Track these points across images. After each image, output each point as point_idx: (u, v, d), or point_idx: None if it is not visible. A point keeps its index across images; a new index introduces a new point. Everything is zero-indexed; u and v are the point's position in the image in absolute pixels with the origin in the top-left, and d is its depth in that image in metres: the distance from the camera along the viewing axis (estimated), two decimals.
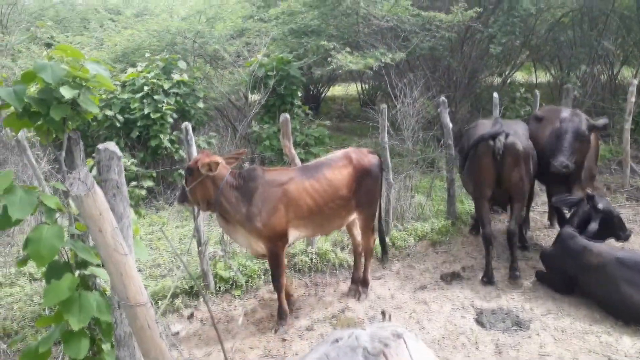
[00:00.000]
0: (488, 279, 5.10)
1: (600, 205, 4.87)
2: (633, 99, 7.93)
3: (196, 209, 4.46)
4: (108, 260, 1.75)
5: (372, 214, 4.77)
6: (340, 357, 2.15)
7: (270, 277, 4.77)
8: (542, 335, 4.08)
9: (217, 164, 3.99)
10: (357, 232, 4.90)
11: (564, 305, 4.58)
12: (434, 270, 5.51)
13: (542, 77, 14.30)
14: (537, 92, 8.49)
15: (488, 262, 5.14)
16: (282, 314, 4.39)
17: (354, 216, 4.64)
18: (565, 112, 5.43)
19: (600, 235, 4.75)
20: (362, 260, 5.00)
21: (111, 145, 2.28)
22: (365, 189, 4.53)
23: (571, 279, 4.67)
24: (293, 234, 4.30)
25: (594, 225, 4.76)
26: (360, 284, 4.97)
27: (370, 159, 4.63)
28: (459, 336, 4.13)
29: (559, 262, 4.78)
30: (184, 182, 4.20)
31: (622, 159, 8.26)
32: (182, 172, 7.50)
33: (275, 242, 4.17)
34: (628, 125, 7.84)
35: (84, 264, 2.71)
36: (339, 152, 4.70)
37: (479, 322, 4.36)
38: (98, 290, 2.78)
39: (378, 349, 2.09)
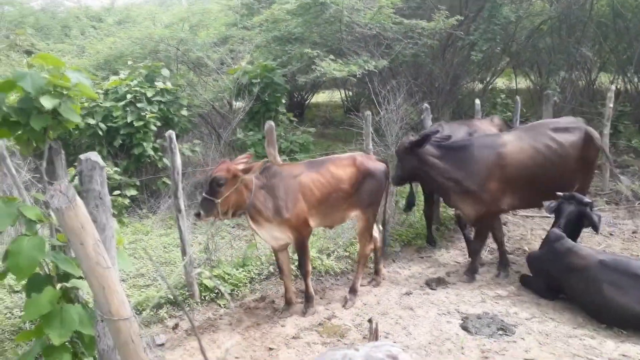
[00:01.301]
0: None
1: (585, 200, 4.92)
2: (611, 104, 8.09)
3: (211, 219, 4.30)
4: (90, 274, 1.72)
5: (372, 216, 4.94)
6: None
7: (252, 285, 4.83)
8: (527, 340, 4.11)
9: (260, 166, 4.26)
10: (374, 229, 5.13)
11: (548, 309, 4.62)
12: (420, 275, 5.54)
13: (523, 83, 14.54)
14: (518, 98, 8.62)
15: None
16: (309, 297, 4.71)
17: (355, 212, 4.85)
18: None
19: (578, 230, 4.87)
20: (382, 253, 5.36)
21: (93, 155, 2.25)
22: (366, 190, 4.76)
23: (556, 282, 4.71)
24: (311, 222, 4.58)
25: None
26: (349, 291, 5.01)
27: (375, 163, 4.90)
28: (445, 342, 4.14)
29: (545, 264, 4.82)
30: (207, 195, 4.16)
31: (601, 163, 8.41)
32: (167, 181, 7.45)
33: (301, 230, 4.47)
34: (607, 130, 7.98)
35: (65, 277, 2.66)
36: (346, 154, 5.04)
37: (464, 327, 4.38)
38: (80, 303, 2.73)
39: None
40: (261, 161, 4.34)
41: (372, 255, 5.31)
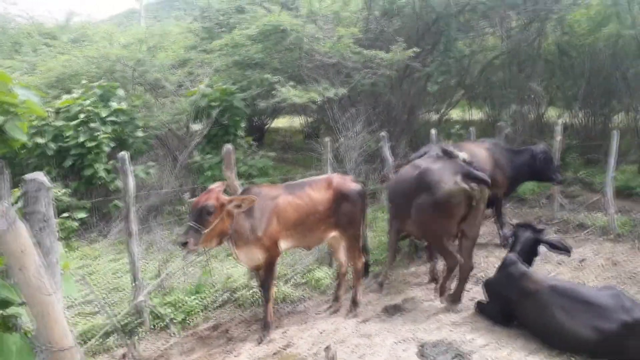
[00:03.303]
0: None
1: (539, 227, 5.11)
2: (559, 137, 8.47)
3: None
4: (31, 301, 1.61)
5: (355, 235, 5.05)
6: None
7: (205, 313, 4.75)
8: None
9: (253, 200, 4.23)
10: (341, 253, 5.27)
11: (503, 336, 4.68)
12: (376, 302, 5.51)
13: (476, 114, 15.06)
14: (472, 129, 8.90)
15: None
16: (267, 324, 4.65)
17: (333, 234, 4.97)
18: None
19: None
20: (345, 280, 5.38)
21: (39, 176, 2.14)
22: (344, 211, 4.88)
23: (511, 307, 4.79)
24: (283, 244, 4.65)
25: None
26: (351, 303, 5.18)
27: (350, 185, 5.00)
28: None
29: (501, 289, 4.90)
30: (194, 223, 4.07)
31: (551, 193, 8.75)
32: (118, 203, 7.19)
33: (271, 251, 4.52)
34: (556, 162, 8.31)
35: (4, 304, 2.48)
36: (322, 176, 5.18)
37: (421, 355, 4.36)
38: (19, 332, 2.54)
39: None
40: (251, 196, 4.30)
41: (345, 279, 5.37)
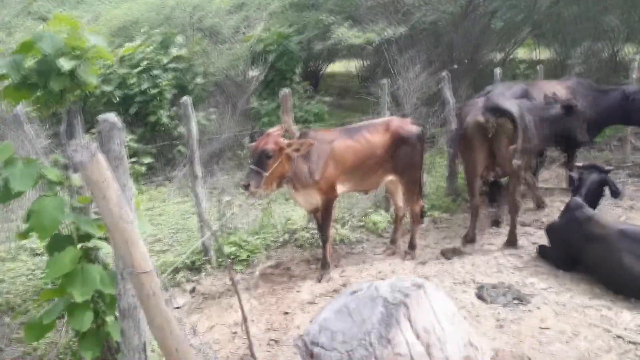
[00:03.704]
0: (470, 239, 5.45)
1: (606, 167, 4.92)
2: (634, 76, 7.85)
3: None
4: (113, 228, 1.73)
5: (413, 179, 5.03)
6: (360, 308, 2.16)
7: (268, 252, 4.97)
8: (542, 310, 4.10)
9: (311, 143, 4.29)
10: (399, 197, 5.25)
11: (565, 280, 4.59)
12: (435, 245, 5.52)
13: (544, 54, 14.14)
14: (540, 67, 8.40)
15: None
16: (325, 264, 4.75)
17: (390, 177, 4.96)
18: None
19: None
20: (402, 224, 5.42)
21: (111, 117, 2.24)
22: (402, 155, 4.84)
23: (575, 252, 4.66)
24: (340, 188, 4.69)
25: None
26: (408, 246, 5.24)
27: (410, 128, 4.93)
28: (459, 310, 4.13)
29: (565, 233, 4.77)
30: (254, 168, 4.20)
31: (622, 136, 8.22)
32: (182, 149, 7.45)
33: (328, 194, 4.58)
34: None
35: (86, 237, 2.69)
36: (381, 119, 5.16)
37: (479, 296, 4.37)
38: (101, 263, 2.77)
39: (398, 298, 2.08)
40: (308, 140, 4.35)
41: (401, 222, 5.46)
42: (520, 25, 11.22)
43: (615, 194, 4.83)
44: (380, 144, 4.78)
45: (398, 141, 4.83)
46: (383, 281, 2.12)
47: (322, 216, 4.72)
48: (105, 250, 2.73)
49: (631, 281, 4.18)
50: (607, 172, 4.88)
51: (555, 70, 11.87)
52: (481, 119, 5.00)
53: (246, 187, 4.21)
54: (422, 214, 5.43)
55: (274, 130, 4.46)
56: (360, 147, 4.70)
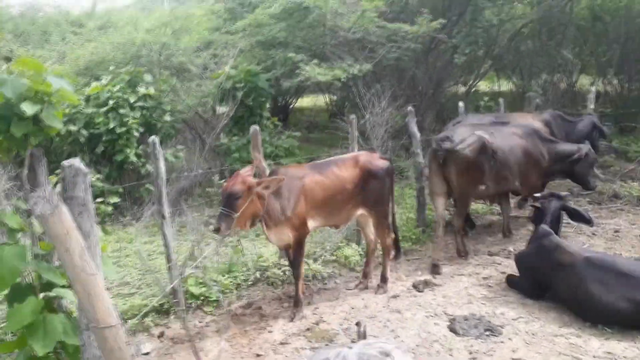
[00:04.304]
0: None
1: (563, 194, 5.23)
2: (592, 106, 8.22)
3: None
4: (76, 281, 1.69)
5: (383, 213, 5.09)
6: None
7: (239, 291, 4.90)
8: (514, 340, 4.14)
9: (281, 179, 4.30)
10: (369, 230, 5.30)
11: (534, 309, 4.66)
12: (406, 278, 5.54)
13: (505, 86, 14.70)
14: (501, 100, 8.71)
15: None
16: (298, 302, 4.70)
17: (360, 212, 5.00)
18: None
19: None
20: (373, 257, 5.43)
21: (76, 162, 2.21)
22: (371, 189, 4.90)
23: (543, 280, 4.75)
24: (311, 223, 4.70)
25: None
26: (380, 280, 5.24)
27: (378, 162, 5.01)
28: (433, 344, 4.15)
29: (533, 261, 4.86)
30: (224, 209, 4.18)
31: None
32: (150, 187, 7.34)
33: (300, 230, 4.58)
34: None
35: (48, 286, 2.60)
36: (349, 154, 5.24)
37: (452, 329, 4.39)
38: (64, 312, 2.67)
39: None
40: (278, 177, 4.35)
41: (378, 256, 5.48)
42: (481, 59, 11.69)
43: (578, 218, 5.14)
44: (349, 179, 4.81)
45: (367, 176, 4.88)
46: (350, 349, 2.10)
47: (294, 253, 4.69)
48: (70, 298, 2.64)
49: (598, 308, 4.28)
50: (565, 198, 5.10)
51: (516, 102, 12.35)
52: (434, 146, 5.73)
53: (217, 230, 4.18)
54: (398, 247, 5.44)
55: (245, 170, 4.46)
56: (330, 182, 4.73)
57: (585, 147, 6.28)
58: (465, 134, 5.73)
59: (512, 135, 6.15)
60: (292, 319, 4.62)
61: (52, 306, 2.64)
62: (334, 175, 4.78)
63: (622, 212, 7.28)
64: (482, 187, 5.80)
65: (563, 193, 5.30)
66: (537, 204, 5.17)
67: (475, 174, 5.68)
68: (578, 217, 5.21)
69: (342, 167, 4.86)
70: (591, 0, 11.15)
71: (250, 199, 4.22)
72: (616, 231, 6.56)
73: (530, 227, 5.96)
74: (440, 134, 5.93)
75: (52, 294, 2.61)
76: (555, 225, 5.06)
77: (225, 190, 4.27)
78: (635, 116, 10.26)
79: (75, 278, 1.69)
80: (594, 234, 6.52)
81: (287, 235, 4.57)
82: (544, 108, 10.33)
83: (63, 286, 2.60)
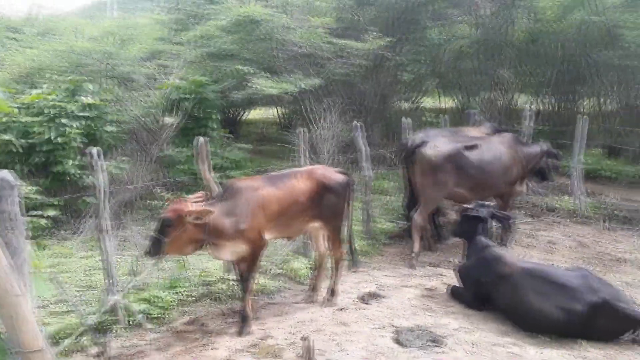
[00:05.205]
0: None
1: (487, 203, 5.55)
2: (530, 123, 8.65)
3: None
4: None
5: (337, 226, 5.10)
6: None
7: (182, 308, 4.81)
8: (456, 350, 4.23)
9: (209, 212, 4.19)
10: (321, 243, 5.27)
11: (476, 319, 4.79)
12: (352, 290, 5.57)
13: (448, 102, 15.21)
14: (445, 117, 9.01)
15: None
16: (245, 317, 4.61)
17: (315, 224, 4.98)
18: None
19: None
20: (323, 270, 5.39)
21: (3, 173, 2.10)
22: (326, 203, 4.89)
23: (484, 291, 4.90)
24: (266, 235, 4.64)
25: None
26: (331, 293, 5.21)
27: (333, 176, 5.01)
28: (378, 356, 4.18)
29: (474, 273, 5.01)
30: (154, 235, 4.17)
31: None
32: (90, 200, 7.04)
33: (255, 242, 4.52)
34: None
35: None
36: (305, 167, 5.23)
37: (397, 340, 4.44)
38: None
39: None
40: (207, 209, 4.25)
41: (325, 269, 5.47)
42: (425, 77, 12.07)
43: (504, 221, 5.63)
44: (304, 192, 4.80)
45: (322, 189, 4.88)
46: None
47: (249, 266, 4.61)
48: None
49: (535, 317, 4.47)
50: (489, 205, 5.42)
51: (457, 118, 12.80)
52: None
53: (147, 254, 4.23)
54: (355, 258, 5.67)
55: (194, 197, 4.41)
56: (284, 194, 4.71)
57: (545, 144, 7.11)
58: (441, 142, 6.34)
59: (499, 144, 6.64)
60: (239, 334, 4.53)
61: None
62: (288, 188, 4.76)
63: (556, 224, 7.65)
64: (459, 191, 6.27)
65: (488, 202, 5.63)
66: (474, 214, 5.34)
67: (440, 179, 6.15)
68: (504, 219, 5.60)
69: (298, 180, 4.85)
70: (528, 24, 11.78)
71: (183, 227, 4.18)
72: (551, 242, 6.88)
73: None
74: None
75: None
76: (487, 233, 5.29)
77: (159, 217, 4.28)
78: (568, 133, 10.86)
79: None
80: (529, 245, 6.82)
81: (242, 248, 4.51)
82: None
83: None
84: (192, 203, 4.33)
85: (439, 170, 6.15)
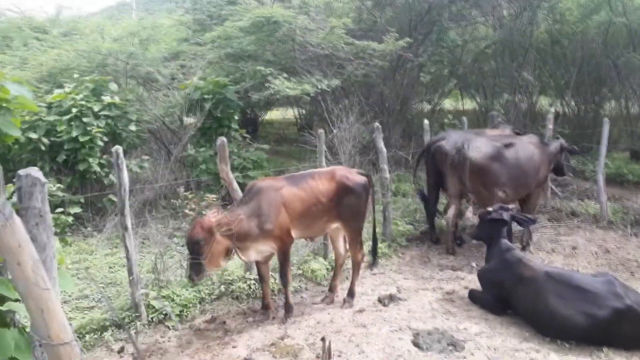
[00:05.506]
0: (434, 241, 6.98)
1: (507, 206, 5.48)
2: (551, 126, 8.52)
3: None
4: (27, 296, 1.62)
5: (357, 228, 5.14)
6: None
7: (202, 305, 4.90)
8: (476, 355, 4.19)
9: (240, 220, 4.30)
10: (339, 244, 5.33)
11: (496, 324, 4.74)
12: (371, 292, 5.56)
13: (469, 104, 15.07)
14: (464, 118, 8.92)
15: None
16: (288, 307, 4.85)
17: (335, 225, 5.03)
18: None
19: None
20: (341, 271, 5.47)
21: (34, 171, 2.14)
22: (347, 204, 4.92)
23: (505, 295, 4.84)
24: (293, 233, 4.71)
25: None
26: (347, 294, 5.25)
27: (355, 177, 5.04)
28: (397, 358, 4.17)
29: (496, 276, 4.96)
30: (192, 258, 4.25)
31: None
32: (113, 198, 7.15)
33: (284, 239, 4.62)
34: None
35: (0, 299, 2.49)
36: (326, 168, 5.28)
37: (415, 343, 4.42)
38: (17, 327, 2.56)
39: None
40: (238, 217, 4.34)
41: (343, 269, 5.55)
42: (446, 78, 11.98)
43: (526, 223, 5.54)
44: (324, 193, 4.84)
45: (342, 190, 4.91)
46: None
47: (281, 262, 4.75)
48: (23, 313, 2.53)
49: (557, 322, 4.39)
50: (509, 209, 5.39)
51: (478, 120, 12.68)
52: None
53: (191, 280, 4.35)
54: (375, 259, 5.73)
55: (210, 214, 4.41)
56: (306, 195, 4.75)
57: (561, 140, 7.25)
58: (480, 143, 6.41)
59: (528, 144, 6.70)
60: (283, 322, 4.76)
61: (4, 320, 2.52)
62: (310, 188, 4.80)
63: (580, 229, 7.52)
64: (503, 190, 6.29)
65: (511, 205, 5.61)
66: (496, 216, 5.28)
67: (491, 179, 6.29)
68: (525, 222, 5.51)
69: (319, 181, 4.89)
70: (550, 25, 11.62)
71: (215, 241, 4.24)
72: (574, 248, 6.77)
73: None
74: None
75: (4, 308, 2.49)
76: (509, 235, 5.24)
77: (188, 240, 4.30)
78: (591, 137, 10.68)
79: (27, 293, 1.62)
80: (553, 250, 6.72)
81: (270, 246, 4.60)
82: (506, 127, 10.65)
83: (16, 300, 2.50)
84: (214, 215, 4.35)
85: (489, 170, 6.26)
